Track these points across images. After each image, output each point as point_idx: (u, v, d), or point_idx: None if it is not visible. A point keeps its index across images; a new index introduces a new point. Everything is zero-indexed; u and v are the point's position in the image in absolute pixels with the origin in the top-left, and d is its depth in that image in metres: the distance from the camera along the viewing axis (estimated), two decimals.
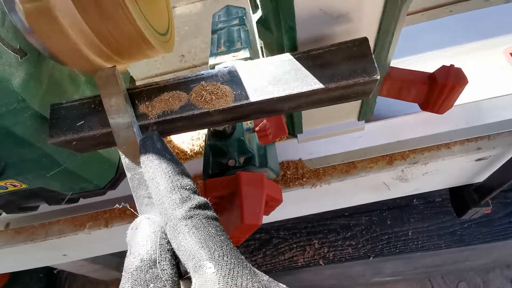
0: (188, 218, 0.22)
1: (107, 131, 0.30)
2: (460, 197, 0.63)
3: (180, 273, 0.23)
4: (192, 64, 0.72)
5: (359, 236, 1.01)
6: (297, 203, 0.57)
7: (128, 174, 0.27)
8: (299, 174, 0.51)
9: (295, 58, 0.30)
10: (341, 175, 0.51)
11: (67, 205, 0.52)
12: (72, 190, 0.43)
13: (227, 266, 0.19)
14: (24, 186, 0.41)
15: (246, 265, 0.20)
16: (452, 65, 0.37)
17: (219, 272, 0.19)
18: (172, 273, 0.21)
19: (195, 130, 0.32)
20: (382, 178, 0.53)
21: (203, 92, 0.30)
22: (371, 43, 0.32)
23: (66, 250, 0.61)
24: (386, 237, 1.00)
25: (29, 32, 0.27)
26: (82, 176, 0.41)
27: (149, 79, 0.73)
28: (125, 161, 0.28)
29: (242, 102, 0.29)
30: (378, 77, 0.28)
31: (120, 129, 0.28)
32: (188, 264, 0.20)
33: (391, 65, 0.41)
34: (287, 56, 0.30)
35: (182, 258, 0.21)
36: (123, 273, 0.22)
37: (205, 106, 0.29)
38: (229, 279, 0.19)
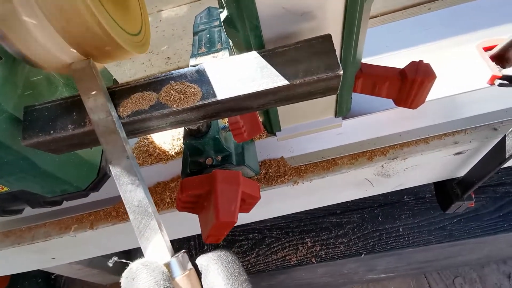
0: None
1: (80, 132, 0.31)
2: (444, 191, 0.63)
3: None
4: (177, 66, 0.73)
5: (351, 234, 1.01)
6: (282, 201, 0.58)
7: (110, 165, 0.27)
8: (281, 172, 0.52)
9: (261, 56, 0.30)
10: (322, 172, 0.51)
11: (51, 208, 0.53)
12: (53, 192, 0.44)
13: None
14: (5, 189, 0.41)
15: None
16: (421, 61, 0.38)
17: None
18: None
19: (168, 129, 0.33)
20: (363, 174, 0.53)
21: (171, 91, 0.30)
22: (338, 40, 0.33)
23: (54, 253, 0.62)
24: (378, 234, 1.00)
25: (0, 36, 0.28)
26: (62, 178, 0.41)
27: None
28: (106, 150, 0.28)
29: (209, 100, 0.30)
30: (341, 72, 0.29)
31: (99, 119, 0.29)
32: None
33: (365, 62, 0.42)
34: (253, 54, 0.30)
35: None
36: None
37: (174, 105, 0.30)
38: None
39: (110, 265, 0.33)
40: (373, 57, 0.53)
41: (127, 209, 0.26)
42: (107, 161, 0.50)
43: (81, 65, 0.30)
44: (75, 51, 0.29)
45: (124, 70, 0.76)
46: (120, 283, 0.22)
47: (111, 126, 0.29)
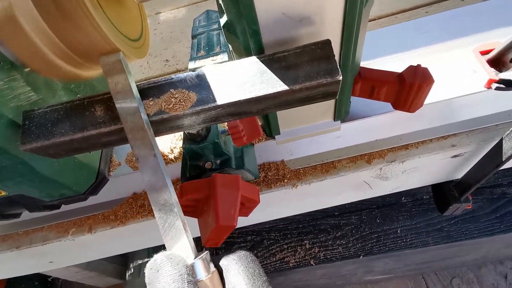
0: None
1: (79, 136, 0.31)
2: (442, 194, 0.64)
3: None
4: (175, 69, 0.73)
5: (349, 235, 1.02)
6: (281, 204, 0.58)
7: (138, 161, 0.27)
8: (280, 175, 0.52)
9: (261, 61, 0.30)
10: (321, 175, 0.51)
11: (50, 212, 0.53)
12: (52, 196, 0.44)
13: None
14: (3, 193, 0.41)
15: None
16: (419, 65, 0.38)
17: None
18: None
19: (168, 134, 0.33)
20: (362, 177, 0.53)
21: (172, 99, 0.30)
22: (337, 45, 0.33)
23: (52, 257, 0.61)
24: (376, 235, 1.00)
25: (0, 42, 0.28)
26: (60, 182, 0.41)
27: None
28: (134, 146, 0.28)
29: (210, 105, 0.30)
30: (340, 78, 0.29)
31: (128, 115, 0.28)
32: None
33: (363, 65, 0.42)
34: (253, 59, 0.31)
35: None
36: None
37: (174, 109, 0.30)
38: None
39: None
40: (370, 61, 0.53)
41: (153, 208, 0.26)
42: (105, 164, 0.50)
43: (111, 59, 0.29)
44: (74, 56, 0.29)
45: None
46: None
47: (139, 123, 0.28)
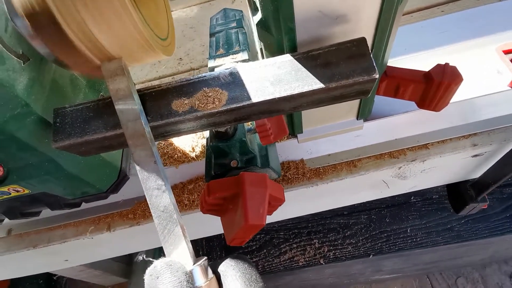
0: None
1: (112, 134, 0.30)
2: (457, 193, 0.64)
3: None
4: (189, 67, 0.73)
5: (358, 235, 1.02)
6: (298, 203, 0.58)
7: (137, 167, 0.27)
8: (300, 173, 0.52)
9: (295, 59, 0.30)
10: (341, 174, 0.51)
11: (69, 210, 0.53)
12: (74, 194, 0.44)
13: None
14: (27, 191, 0.41)
15: None
16: (447, 63, 0.38)
17: None
18: None
19: (197, 132, 0.32)
20: (381, 176, 0.53)
21: (205, 96, 0.30)
22: (369, 43, 0.33)
23: (68, 256, 0.61)
24: (385, 235, 1.00)
25: (33, 36, 0.27)
26: (84, 180, 0.41)
27: (148, 82, 0.73)
28: (134, 153, 0.28)
29: (244, 103, 0.30)
30: (377, 76, 0.29)
31: (128, 121, 0.28)
32: None
33: (387, 64, 0.42)
34: (287, 57, 0.30)
35: None
36: None
37: (207, 108, 0.30)
38: None
39: (138, 261, 0.33)
40: (390, 60, 0.53)
41: (153, 214, 0.26)
42: (127, 163, 0.50)
43: (113, 65, 0.29)
44: (108, 52, 0.29)
45: (136, 71, 0.75)
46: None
47: (140, 129, 0.28)
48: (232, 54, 0.51)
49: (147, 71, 0.75)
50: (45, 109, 0.34)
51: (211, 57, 0.52)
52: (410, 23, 0.61)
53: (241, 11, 0.59)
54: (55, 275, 1.45)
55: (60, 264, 0.65)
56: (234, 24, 0.57)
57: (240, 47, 0.53)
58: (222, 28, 0.58)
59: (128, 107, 0.29)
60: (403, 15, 0.67)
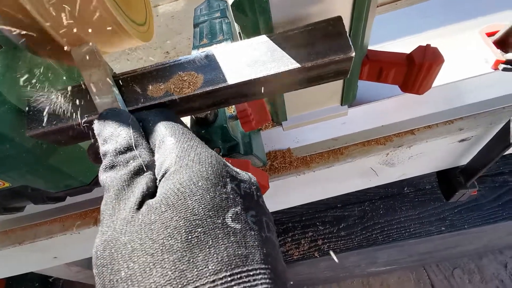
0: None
1: (88, 120, 0.30)
2: (447, 180, 0.64)
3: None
4: None
5: (352, 227, 1.02)
6: (288, 193, 0.57)
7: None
8: (287, 162, 0.51)
9: (271, 39, 0.30)
10: (328, 162, 0.51)
11: (54, 205, 0.52)
12: (57, 187, 0.43)
13: (185, 140, 0.23)
14: (7, 184, 0.40)
15: (203, 143, 0.24)
16: (428, 45, 0.38)
17: (178, 143, 0.23)
18: (149, 154, 0.24)
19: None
20: (368, 163, 0.53)
21: (180, 81, 0.30)
22: (346, 25, 0.33)
23: (57, 252, 0.61)
24: (379, 226, 1.00)
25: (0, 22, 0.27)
26: (66, 172, 0.40)
27: None
28: None
29: (219, 85, 0.29)
30: (353, 54, 0.28)
31: (105, 106, 0.28)
32: (156, 143, 0.24)
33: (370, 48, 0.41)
34: (263, 38, 0.30)
35: (152, 141, 0.24)
36: (103, 159, 0.24)
37: (183, 92, 0.29)
38: (185, 145, 0.22)
39: None
40: (374, 46, 0.53)
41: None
42: None
43: (83, 49, 0.29)
44: (79, 35, 0.28)
45: (123, 65, 0.75)
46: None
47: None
48: (216, 43, 0.51)
49: (134, 66, 0.74)
50: (20, 98, 0.33)
51: (195, 47, 0.51)
52: (395, 9, 0.61)
53: (225, 1, 0.59)
54: (51, 277, 1.43)
55: (50, 261, 0.64)
56: (218, 14, 0.57)
57: (224, 36, 0.53)
58: (206, 18, 0.57)
59: (104, 93, 0.28)
60: (388, 3, 0.67)
